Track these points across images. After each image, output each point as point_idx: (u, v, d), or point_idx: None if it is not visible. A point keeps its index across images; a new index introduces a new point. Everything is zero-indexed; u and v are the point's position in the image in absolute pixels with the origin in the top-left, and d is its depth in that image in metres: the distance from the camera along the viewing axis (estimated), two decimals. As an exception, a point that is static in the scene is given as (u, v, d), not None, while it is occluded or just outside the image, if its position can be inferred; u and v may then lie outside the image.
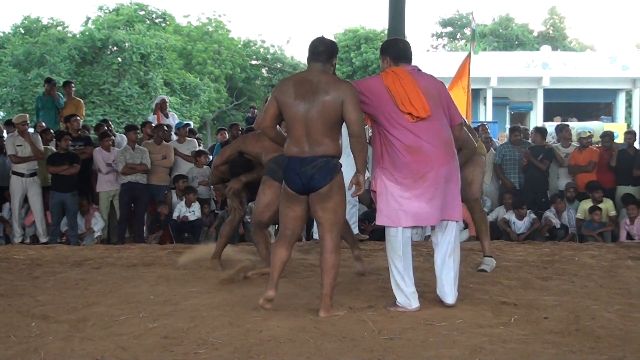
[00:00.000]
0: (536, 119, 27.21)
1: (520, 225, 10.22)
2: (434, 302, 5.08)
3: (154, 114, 12.96)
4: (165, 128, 11.09)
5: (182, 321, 4.62)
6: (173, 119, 12.84)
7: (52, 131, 11.05)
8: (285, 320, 4.62)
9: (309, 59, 4.94)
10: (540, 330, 4.38)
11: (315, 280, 6.04)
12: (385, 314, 4.82)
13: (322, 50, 4.87)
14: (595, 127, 17.39)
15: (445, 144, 4.88)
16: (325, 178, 4.76)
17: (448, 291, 4.98)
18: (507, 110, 28.71)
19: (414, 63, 5.19)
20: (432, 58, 28.26)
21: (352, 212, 8.49)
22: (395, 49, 5.12)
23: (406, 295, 4.88)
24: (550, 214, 10.28)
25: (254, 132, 7.11)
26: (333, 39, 5.43)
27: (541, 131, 11.24)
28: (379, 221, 4.94)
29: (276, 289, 4.89)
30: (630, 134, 11.14)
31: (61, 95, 12.76)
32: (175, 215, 10.17)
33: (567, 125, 12.11)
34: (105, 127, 11.43)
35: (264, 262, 6.50)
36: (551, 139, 13.75)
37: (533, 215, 10.26)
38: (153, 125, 11.68)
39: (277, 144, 5.46)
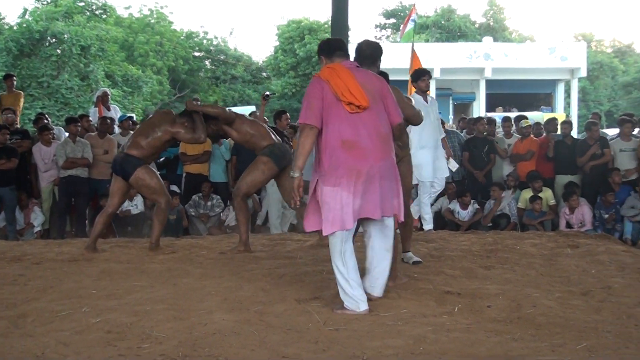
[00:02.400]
0: (479, 109, 27.54)
1: (465, 215, 10.35)
2: (379, 292, 5.08)
3: (95, 106, 12.77)
4: (108, 121, 10.94)
5: (125, 315, 4.56)
6: (115, 112, 12.66)
7: None
8: (229, 313, 4.60)
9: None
10: (483, 319, 4.44)
11: (259, 273, 6.02)
12: (330, 304, 4.81)
13: (369, 53, 5.43)
14: (535, 117, 17.66)
15: (382, 140, 4.79)
16: None
17: (382, 283, 4.90)
18: (451, 101, 28.99)
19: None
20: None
21: None
22: (326, 44, 5.16)
23: (353, 298, 4.69)
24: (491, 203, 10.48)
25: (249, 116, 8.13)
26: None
27: (491, 122, 11.71)
28: (325, 231, 4.72)
29: None
30: (566, 124, 11.49)
31: None
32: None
33: (515, 117, 12.37)
34: (45, 121, 11.22)
35: (243, 235, 7.35)
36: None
37: (476, 205, 10.41)
38: (90, 118, 11.52)
39: None
